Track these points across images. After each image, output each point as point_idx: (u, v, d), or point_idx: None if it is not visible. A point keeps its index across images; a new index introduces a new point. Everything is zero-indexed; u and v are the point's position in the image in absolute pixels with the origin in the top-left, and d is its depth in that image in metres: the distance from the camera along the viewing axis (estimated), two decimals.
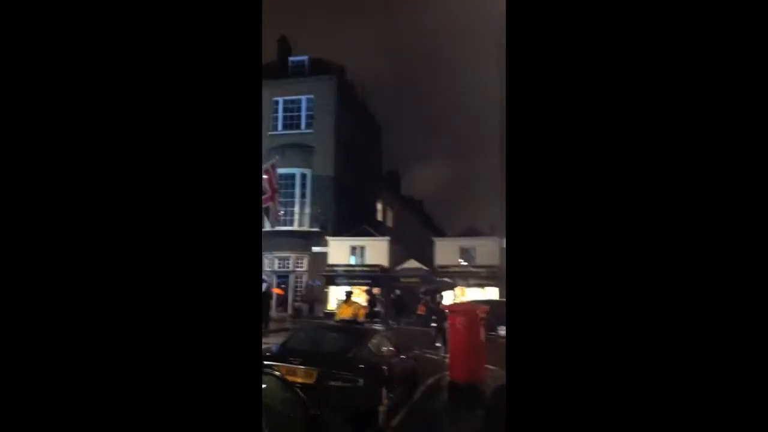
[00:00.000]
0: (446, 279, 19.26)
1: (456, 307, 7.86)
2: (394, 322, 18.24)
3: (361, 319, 7.54)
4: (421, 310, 18.51)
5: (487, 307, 7.61)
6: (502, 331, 14.68)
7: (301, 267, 23.72)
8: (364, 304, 12.95)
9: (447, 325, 7.50)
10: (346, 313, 7.72)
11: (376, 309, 21.65)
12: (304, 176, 24.10)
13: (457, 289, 21.82)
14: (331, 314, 18.18)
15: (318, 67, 26.63)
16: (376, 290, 22.33)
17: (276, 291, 18.98)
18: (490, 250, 21.68)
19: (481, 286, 21.39)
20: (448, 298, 20.10)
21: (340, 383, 4.63)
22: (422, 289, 18.18)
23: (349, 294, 9.09)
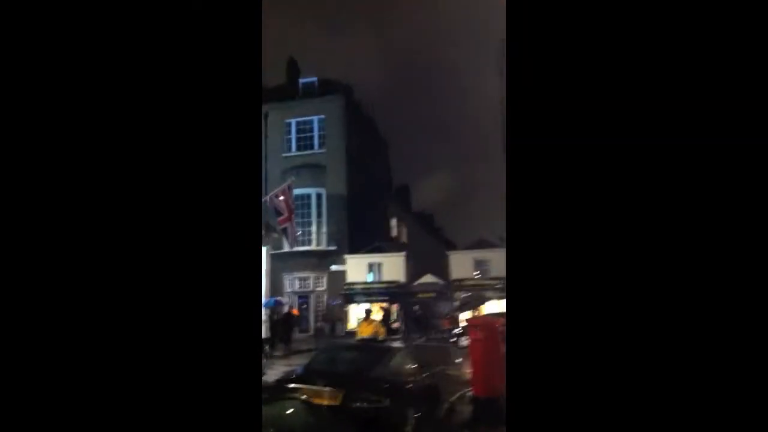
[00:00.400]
0: (482, 292, 19.11)
1: (475, 321, 7.83)
2: (420, 336, 18.18)
3: (382, 337, 7.54)
4: (446, 324, 18.41)
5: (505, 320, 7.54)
6: None
7: (321, 287, 23.77)
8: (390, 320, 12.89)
9: (468, 339, 7.49)
10: (367, 332, 7.73)
11: (396, 325, 21.57)
12: (319, 196, 24.29)
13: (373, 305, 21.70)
14: (352, 333, 18.18)
15: (327, 87, 26.94)
16: (394, 306, 22.26)
17: (293, 312, 19.11)
18: (503, 261, 21.50)
19: (498, 298, 21.24)
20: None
21: (365, 404, 4.67)
22: (457, 304, 18.07)
23: (368, 312, 9.09)
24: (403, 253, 24.31)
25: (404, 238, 32.00)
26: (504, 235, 20.69)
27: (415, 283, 23.53)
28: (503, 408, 5.77)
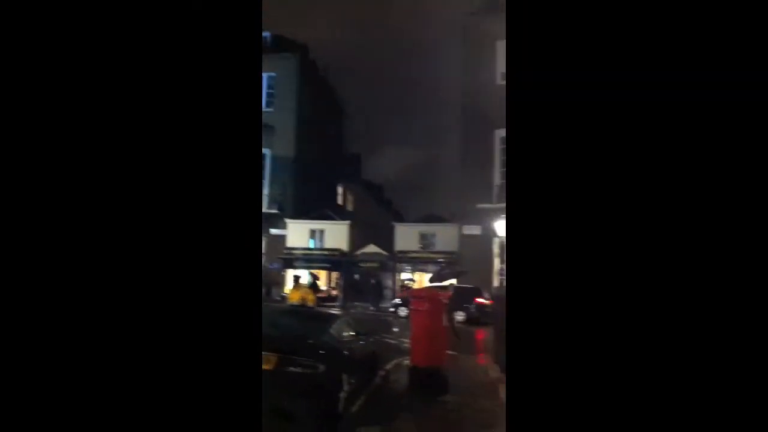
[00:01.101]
0: (455, 266, 19.32)
1: (419, 292, 7.81)
2: (359, 305, 18.16)
3: (311, 303, 7.33)
4: (402, 294, 18.54)
5: (450, 293, 7.58)
6: (458, 316, 14.85)
7: None
8: (319, 287, 12.70)
9: (410, 310, 7.45)
10: (295, 298, 7.52)
11: (335, 293, 21.49)
12: (263, 156, 23.65)
13: (416, 275, 21.94)
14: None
15: (280, 45, 25.98)
16: (334, 274, 22.10)
17: None
18: (450, 236, 21.83)
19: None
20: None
21: (300, 369, 4.48)
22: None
23: (297, 278, 8.88)
24: (348, 222, 24.15)
25: (350, 207, 31.84)
26: (454, 210, 20.97)
27: (358, 252, 23.47)
28: (443, 378, 6.05)
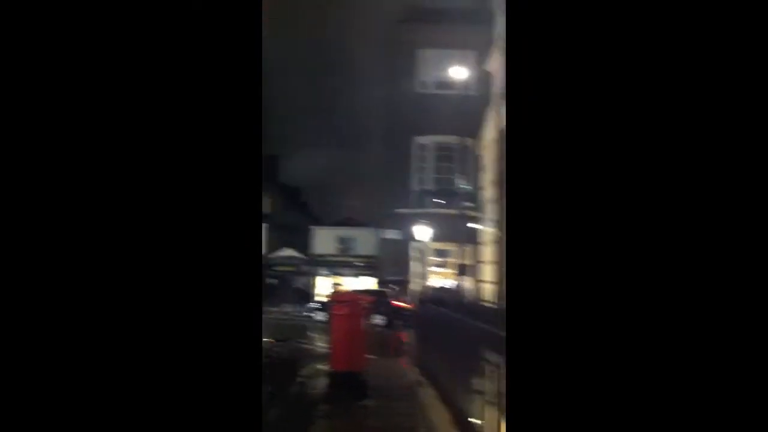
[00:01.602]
0: (344, 268, 19.08)
1: (340, 297, 7.74)
2: (275, 309, 17.70)
3: None
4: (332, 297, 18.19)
5: (371, 298, 7.57)
6: (376, 320, 14.92)
7: None
8: None
9: (327, 314, 7.36)
10: None
11: None
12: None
13: (334, 279, 21.81)
14: None
15: None
16: None
17: None
18: (368, 240, 21.91)
19: (357, 275, 21.57)
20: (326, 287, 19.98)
21: None
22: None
23: None
24: (263, 225, 23.61)
25: (267, 209, 31.13)
26: (373, 214, 21.00)
27: (273, 254, 22.97)
28: (363, 382, 6.01)
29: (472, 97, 18.34)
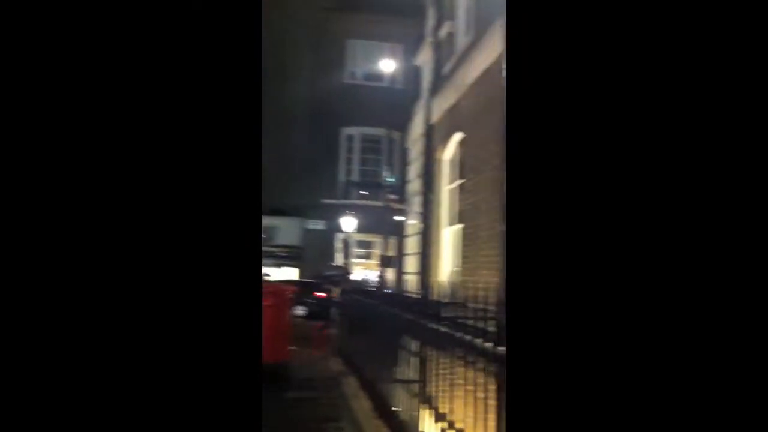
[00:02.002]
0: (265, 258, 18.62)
1: (266, 287, 7.61)
2: None
3: None
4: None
5: (294, 288, 7.51)
6: (299, 311, 14.80)
7: None
8: None
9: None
10: None
11: None
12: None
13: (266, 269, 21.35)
14: None
15: None
16: None
17: None
18: (293, 230, 21.64)
19: (279, 266, 21.26)
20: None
21: None
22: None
23: None
24: None
25: None
26: (296, 203, 20.71)
27: None
28: (287, 373, 5.95)
29: (401, 91, 18.56)
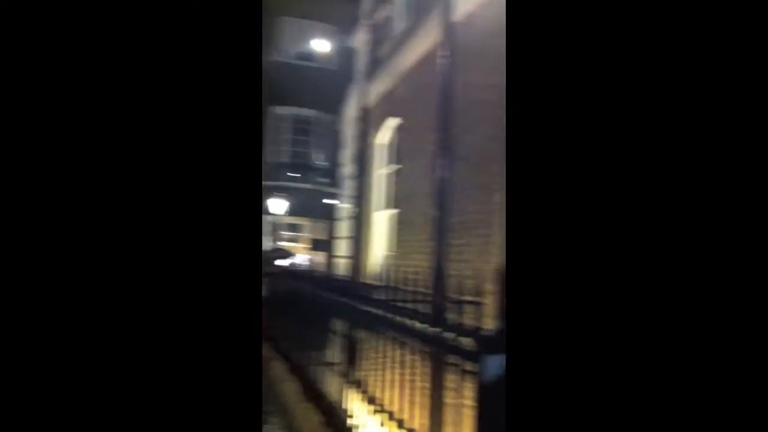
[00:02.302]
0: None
1: None
2: None
3: None
4: None
5: None
6: None
7: None
8: None
9: None
10: None
11: None
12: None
13: None
14: None
15: None
16: None
17: None
18: None
19: None
20: None
21: None
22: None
23: None
24: None
25: None
26: None
27: None
28: None
29: (335, 72, 18.31)
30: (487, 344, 1.58)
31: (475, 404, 1.63)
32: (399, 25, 8.42)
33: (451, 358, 2.24)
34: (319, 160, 19.72)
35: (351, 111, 10.60)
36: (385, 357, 2.96)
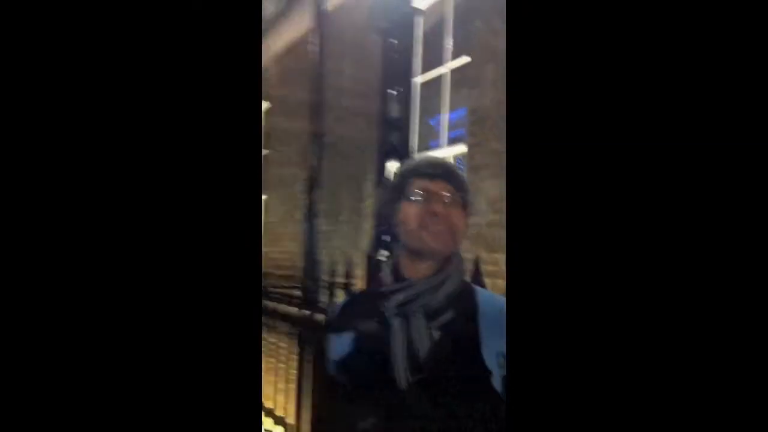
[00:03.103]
0: None
1: None
2: None
3: None
4: None
5: None
6: None
7: None
8: None
9: None
10: None
11: None
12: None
13: None
14: None
15: None
16: None
17: None
18: None
19: None
20: None
21: None
22: None
23: None
24: None
25: None
26: None
27: None
28: None
29: None
30: (329, 322, 1.68)
31: (319, 383, 1.64)
32: (269, 8, 8.28)
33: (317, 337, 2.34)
34: None
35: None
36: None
